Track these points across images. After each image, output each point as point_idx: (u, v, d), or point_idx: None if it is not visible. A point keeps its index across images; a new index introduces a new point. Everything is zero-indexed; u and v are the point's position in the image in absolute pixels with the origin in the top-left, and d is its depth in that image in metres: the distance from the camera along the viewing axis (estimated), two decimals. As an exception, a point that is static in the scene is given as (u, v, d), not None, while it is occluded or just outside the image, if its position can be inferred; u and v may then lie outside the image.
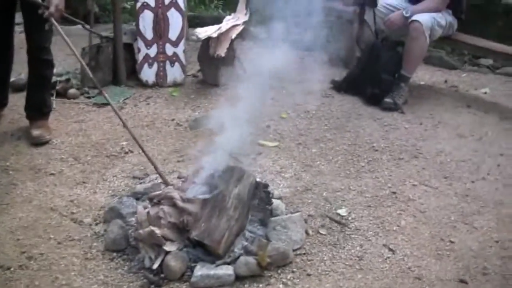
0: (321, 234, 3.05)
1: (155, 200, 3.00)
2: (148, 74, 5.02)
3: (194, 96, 4.92)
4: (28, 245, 2.90)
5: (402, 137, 4.20)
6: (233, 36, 4.88)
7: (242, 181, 2.94)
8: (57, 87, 4.78)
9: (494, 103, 4.97)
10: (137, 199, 3.25)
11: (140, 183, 3.52)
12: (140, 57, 5.01)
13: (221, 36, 4.82)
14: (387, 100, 4.66)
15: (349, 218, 3.18)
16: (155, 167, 3.22)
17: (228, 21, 5.17)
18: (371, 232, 3.06)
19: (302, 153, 3.91)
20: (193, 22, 6.62)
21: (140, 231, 2.84)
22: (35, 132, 3.98)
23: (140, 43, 4.98)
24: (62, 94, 4.82)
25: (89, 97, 4.84)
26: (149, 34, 4.98)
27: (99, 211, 3.23)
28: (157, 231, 2.79)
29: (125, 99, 4.83)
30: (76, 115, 4.53)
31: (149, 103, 4.79)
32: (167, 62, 5.02)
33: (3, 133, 4.13)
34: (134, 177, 3.60)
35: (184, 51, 5.06)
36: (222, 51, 4.79)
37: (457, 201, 3.38)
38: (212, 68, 5.01)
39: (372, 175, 3.64)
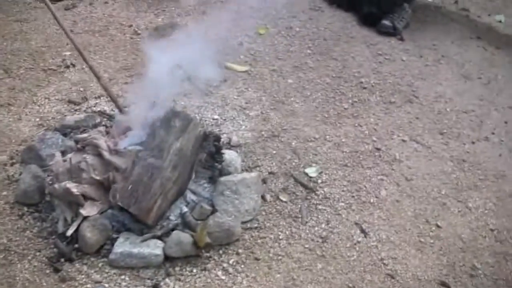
0: (281, 201, 2.47)
1: (79, 146, 2.38)
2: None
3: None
4: None
5: (397, 73, 3.52)
6: None
7: (187, 132, 2.30)
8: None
9: (509, 37, 4.22)
10: (65, 134, 2.61)
11: (75, 112, 2.88)
12: None
13: None
14: (386, 22, 3.92)
15: (319, 180, 2.60)
16: (106, 89, 2.55)
17: None
18: (342, 204, 2.50)
19: (276, 84, 3.24)
20: None
21: (56, 185, 2.25)
22: None
23: None
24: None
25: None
26: None
27: (19, 146, 2.61)
28: (74, 188, 2.20)
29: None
30: (19, 12, 3.76)
31: (107, 2, 3.99)
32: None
33: None
34: (69, 101, 2.93)
35: None
36: None
37: (451, 168, 2.80)
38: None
39: (355, 122, 3.02)
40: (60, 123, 2.70)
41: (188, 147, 2.28)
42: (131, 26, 3.70)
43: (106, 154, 2.26)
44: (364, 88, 3.31)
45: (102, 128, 2.46)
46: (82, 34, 3.53)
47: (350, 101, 3.18)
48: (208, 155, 2.39)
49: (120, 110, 2.53)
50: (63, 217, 2.23)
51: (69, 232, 2.17)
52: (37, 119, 2.79)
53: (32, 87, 3.01)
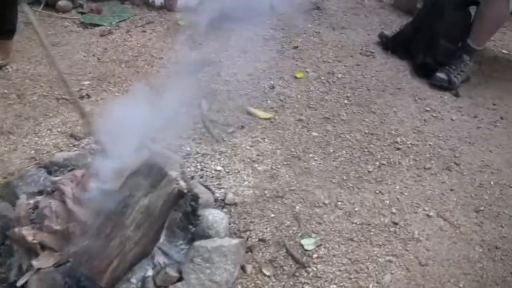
0: (264, 275, 2.18)
1: (49, 189, 2.22)
2: (155, -6, 4.07)
3: (204, 28, 3.95)
4: None
5: (442, 134, 3.12)
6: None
7: (158, 189, 2.06)
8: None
9: None
10: (50, 172, 2.46)
11: (72, 147, 2.74)
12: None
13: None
14: (440, 75, 3.53)
15: (314, 255, 2.28)
16: (82, 115, 2.40)
17: None
18: (334, 286, 2.15)
19: (297, 136, 2.95)
20: None
21: (16, 229, 2.08)
22: None
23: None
24: (51, 5, 4.00)
25: (82, 13, 3.99)
26: None
27: (6, 178, 2.49)
28: (30, 236, 2.03)
29: (120, 21, 3.95)
30: (54, 35, 3.74)
31: (145, 30, 3.90)
32: (180, -18, 4.04)
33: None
34: (71, 135, 2.80)
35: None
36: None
37: (479, 255, 2.39)
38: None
39: (377, 188, 2.67)
40: (49, 159, 2.55)
41: (157, 205, 2.04)
42: (161, 58, 3.54)
43: (69, 203, 2.08)
44: (398, 149, 2.95)
45: (79, 172, 2.28)
46: (108, 63, 3.43)
47: (377, 163, 2.83)
48: (184, 214, 2.15)
49: (103, 149, 2.34)
50: (18, 265, 2.06)
51: (19, 283, 2.00)
52: (32, 151, 2.67)
53: (39, 116, 2.92)
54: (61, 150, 2.69)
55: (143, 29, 3.89)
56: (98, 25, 3.85)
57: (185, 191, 2.18)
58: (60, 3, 3.96)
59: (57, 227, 2.05)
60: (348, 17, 4.47)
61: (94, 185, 2.16)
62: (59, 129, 2.85)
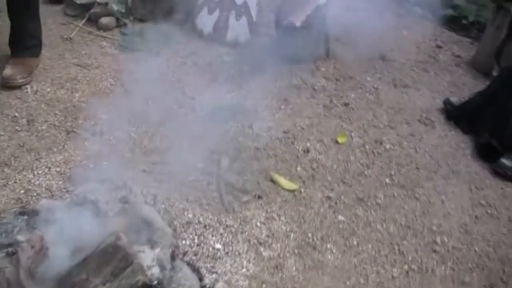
0: None
1: (9, 250, 1.97)
2: (205, 22, 3.79)
3: (249, 68, 3.63)
4: None
5: (493, 238, 2.66)
6: None
7: (119, 278, 1.75)
8: (92, 11, 3.75)
9: None
10: (28, 223, 2.21)
11: (65, 193, 2.49)
12: (201, -3, 3.77)
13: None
14: (505, 161, 3.04)
15: None
16: None
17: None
18: None
19: (320, 219, 2.57)
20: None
21: None
22: (6, 71, 3.06)
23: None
24: (93, 21, 3.80)
25: (124, 34, 3.77)
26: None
27: (-16, 219, 2.26)
28: None
29: (162, 48, 3.69)
30: (86, 55, 3.53)
31: (186, 62, 3.65)
32: (233, 13, 3.73)
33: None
34: (69, 178, 2.54)
35: (258, 3, 3.72)
36: (298, 18, 3.41)
37: None
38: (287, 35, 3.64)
39: (395, 304, 2.24)
40: (33, 206, 2.31)
41: (115, 299, 1.73)
42: (193, 98, 3.25)
43: (21, 274, 1.81)
44: (435, 251, 2.51)
45: (42, 235, 2.00)
46: (134, 95, 3.17)
47: (405, 266, 2.40)
48: (149, 313, 1.82)
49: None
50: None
51: None
52: (22, 191, 2.45)
53: (42, 149, 2.70)
54: (52, 195, 2.43)
55: (183, 60, 3.62)
56: (138, 50, 3.59)
57: (154, 282, 1.86)
58: (103, 20, 3.75)
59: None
60: (415, 72, 4.02)
61: (54, 256, 1.88)
62: (58, 169, 2.61)
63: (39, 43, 3.17)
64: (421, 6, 4.68)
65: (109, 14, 3.79)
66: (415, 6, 4.66)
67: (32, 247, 1.90)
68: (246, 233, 2.42)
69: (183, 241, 2.29)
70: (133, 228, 2.03)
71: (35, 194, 2.45)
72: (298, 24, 3.39)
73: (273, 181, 2.73)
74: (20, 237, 1.97)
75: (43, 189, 2.48)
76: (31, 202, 2.39)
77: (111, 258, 1.79)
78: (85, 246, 1.88)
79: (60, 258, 1.86)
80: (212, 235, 2.37)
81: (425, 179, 2.95)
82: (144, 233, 2.05)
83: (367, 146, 3.10)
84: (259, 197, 2.62)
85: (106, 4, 3.79)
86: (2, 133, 2.78)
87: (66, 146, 2.75)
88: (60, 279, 1.79)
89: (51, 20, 3.80)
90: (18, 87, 3.06)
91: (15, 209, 2.34)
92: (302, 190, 2.72)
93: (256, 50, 3.72)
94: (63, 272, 1.80)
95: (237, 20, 3.76)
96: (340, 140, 3.09)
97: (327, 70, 3.76)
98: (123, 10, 3.82)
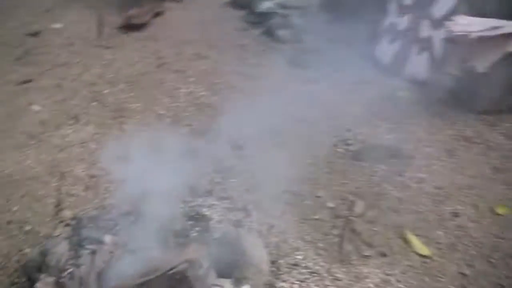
0: None
1: (91, 248, 2.00)
2: (384, 51, 3.58)
3: (421, 109, 3.36)
4: None
5: None
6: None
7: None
8: (271, 21, 3.78)
9: None
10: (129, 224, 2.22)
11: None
12: (383, 24, 3.55)
13: (487, 40, 3.03)
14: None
15: None
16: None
17: None
18: None
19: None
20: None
21: (42, 276, 1.94)
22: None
23: (392, 4, 3.49)
24: (271, 32, 3.81)
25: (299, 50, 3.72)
26: (408, -2, 3.45)
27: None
28: None
29: (334, 72, 3.57)
30: (253, 65, 3.57)
31: (353, 90, 3.45)
32: (415, 46, 3.47)
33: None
34: (191, 188, 2.55)
35: (443, 40, 3.41)
36: (482, 63, 3.05)
37: None
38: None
39: None
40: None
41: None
42: (349, 130, 3.07)
43: (92, 276, 1.86)
44: None
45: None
46: (290, 122, 3.09)
47: None
48: None
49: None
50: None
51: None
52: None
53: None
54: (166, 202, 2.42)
55: (352, 87, 3.45)
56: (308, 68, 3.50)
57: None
58: (280, 32, 3.71)
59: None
60: None
61: (125, 265, 1.87)
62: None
63: None
64: None
65: (288, 26, 3.74)
66: None
67: (111, 252, 1.91)
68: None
69: (282, 284, 2.15)
70: (224, 258, 1.94)
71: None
72: (481, 69, 3.01)
73: (405, 240, 2.46)
74: (107, 238, 1.99)
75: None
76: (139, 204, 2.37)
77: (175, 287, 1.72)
78: (159, 263, 1.83)
79: (128, 269, 1.83)
80: (316, 285, 2.19)
81: None
82: (236, 267, 1.94)
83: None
84: (383, 254, 2.37)
85: (287, 16, 3.74)
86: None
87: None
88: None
89: (230, 25, 3.89)
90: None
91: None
92: (435, 259, 2.40)
93: (433, 90, 3.41)
94: (126, 285, 1.77)
95: (419, 54, 3.47)
96: (499, 210, 2.69)
97: (511, 126, 3.31)
98: (303, 25, 3.75)
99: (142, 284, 1.73)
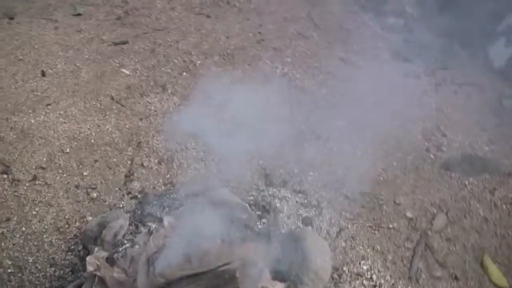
0: None
1: (150, 226, 2.00)
2: (499, 54, 3.38)
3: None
4: None
5: None
6: None
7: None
8: (383, 6, 3.60)
9: None
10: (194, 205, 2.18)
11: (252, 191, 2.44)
12: (501, 25, 3.29)
13: None
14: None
15: None
16: None
17: None
18: None
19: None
20: None
21: (96, 249, 1.99)
22: None
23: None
24: (380, 16, 3.63)
25: (407, 41, 3.52)
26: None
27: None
28: (91, 267, 1.90)
29: (440, 69, 3.35)
30: (355, 52, 3.41)
31: (458, 92, 3.23)
32: (534, 53, 3.18)
33: None
34: (267, 175, 2.51)
35: None
36: None
37: None
38: None
39: None
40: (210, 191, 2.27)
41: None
42: (444, 135, 2.89)
43: (142, 258, 1.85)
44: None
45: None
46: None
47: None
48: None
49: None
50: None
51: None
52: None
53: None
54: (235, 187, 2.40)
55: (457, 89, 3.23)
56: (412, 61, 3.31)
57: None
58: (391, 19, 3.52)
59: (121, 277, 1.83)
60: None
61: (174, 252, 1.85)
62: (261, 162, 2.55)
63: None
64: None
65: (400, 15, 3.54)
66: None
67: (166, 236, 1.89)
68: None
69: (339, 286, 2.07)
70: (285, 258, 1.88)
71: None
72: None
73: (483, 265, 2.28)
74: (165, 221, 1.98)
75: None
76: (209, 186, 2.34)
77: (223, 286, 1.68)
78: (212, 257, 1.79)
79: (179, 258, 1.80)
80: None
81: None
82: (296, 269, 1.88)
83: None
84: (456, 278, 2.22)
85: (400, 3, 3.53)
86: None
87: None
88: (169, 282, 1.74)
89: (339, 6, 3.73)
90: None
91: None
92: (514, 292, 2.21)
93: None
94: (174, 275, 1.75)
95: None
96: None
97: None
98: (415, 14, 3.53)
99: (189, 276, 1.71)
